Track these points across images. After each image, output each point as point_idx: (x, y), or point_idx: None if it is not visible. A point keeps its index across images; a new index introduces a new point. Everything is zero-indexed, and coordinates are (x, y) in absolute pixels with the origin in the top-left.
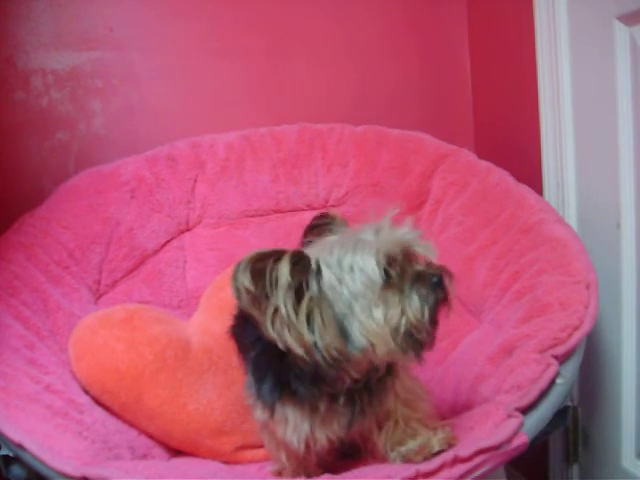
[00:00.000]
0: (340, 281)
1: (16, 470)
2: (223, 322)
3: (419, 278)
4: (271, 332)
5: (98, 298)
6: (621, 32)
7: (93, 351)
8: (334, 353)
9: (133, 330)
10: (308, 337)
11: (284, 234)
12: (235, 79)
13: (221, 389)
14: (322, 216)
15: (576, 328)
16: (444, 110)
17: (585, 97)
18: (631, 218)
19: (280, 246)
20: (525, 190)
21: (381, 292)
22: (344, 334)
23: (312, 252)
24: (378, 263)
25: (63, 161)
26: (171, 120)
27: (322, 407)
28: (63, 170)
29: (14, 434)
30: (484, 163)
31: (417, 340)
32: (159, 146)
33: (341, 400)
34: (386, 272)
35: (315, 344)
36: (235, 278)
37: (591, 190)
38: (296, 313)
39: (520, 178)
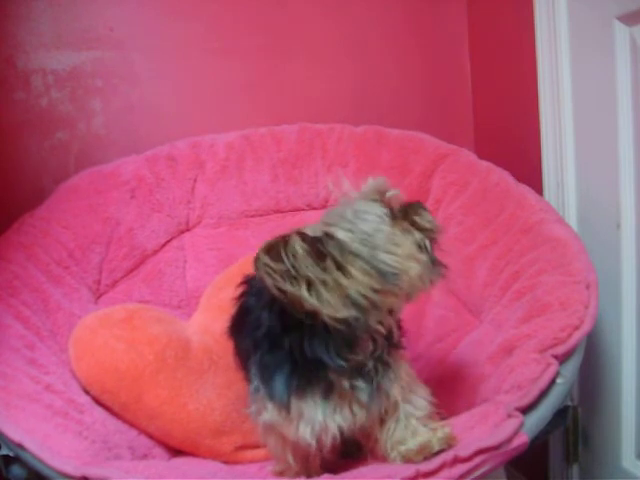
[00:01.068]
0: (353, 231)
1: (16, 470)
2: (223, 322)
3: (412, 206)
4: (312, 302)
5: (98, 298)
6: (621, 32)
7: (93, 351)
8: (374, 296)
9: (133, 330)
10: (348, 285)
11: None
12: (235, 79)
13: (221, 389)
14: None
15: (576, 328)
16: (444, 110)
17: (585, 97)
18: (631, 218)
19: None
20: (525, 190)
21: (392, 221)
22: (379, 273)
23: (309, 229)
24: (376, 201)
25: (63, 161)
26: (171, 120)
27: (345, 384)
28: (63, 170)
29: (14, 434)
30: (484, 163)
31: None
32: (159, 146)
33: (370, 364)
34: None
35: (354, 293)
36: (259, 266)
37: (591, 190)
38: (327, 273)
39: (520, 178)
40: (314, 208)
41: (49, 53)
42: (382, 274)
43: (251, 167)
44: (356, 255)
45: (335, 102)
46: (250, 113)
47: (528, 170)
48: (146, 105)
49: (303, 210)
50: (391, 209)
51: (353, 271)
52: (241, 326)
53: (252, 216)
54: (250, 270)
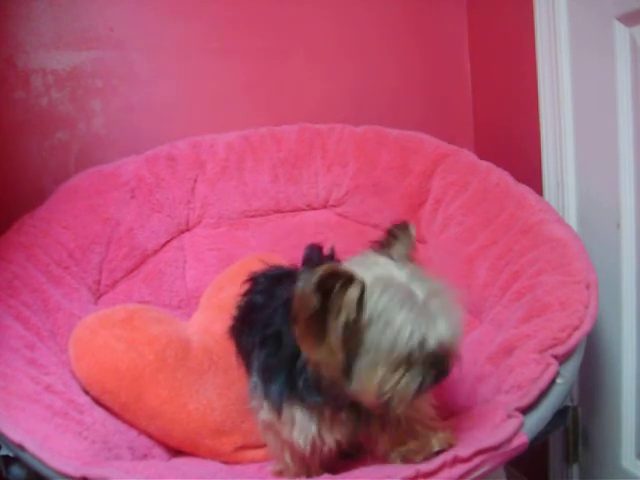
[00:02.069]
0: (372, 323)
1: (16, 470)
2: (223, 322)
3: (435, 363)
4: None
5: (98, 298)
6: (621, 32)
7: (93, 351)
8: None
9: (133, 330)
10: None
11: (284, 234)
12: (235, 79)
13: (221, 389)
14: (401, 226)
15: (576, 328)
16: (444, 110)
17: (585, 97)
18: (631, 218)
19: (280, 246)
20: (525, 190)
21: (395, 359)
22: (349, 370)
23: (365, 274)
24: (411, 337)
25: (63, 161)
26: (171, 120)
27: (327, 413)
28: (63, 170)
29: (14, 434)
30: (484, 163)
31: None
32: (159, 146)
33: (343, 415)
34: (412, 349)
35: (317, 358)
36: (303, 294)
37: (591, 190)
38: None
39: (520, 178)
40: (314, 208)
41: (49, 53)
42: (349, 375)
43: (251, 167)
44: (350, 336)
45: (335, 102)
46: (250, 113)
47: (528, 170)
48: (146, 105)
49: (303, 210)
50: (416, 353)
51: (333, 342)
52: (246, 323)
53: (252, 216)
54: (250, 270)
